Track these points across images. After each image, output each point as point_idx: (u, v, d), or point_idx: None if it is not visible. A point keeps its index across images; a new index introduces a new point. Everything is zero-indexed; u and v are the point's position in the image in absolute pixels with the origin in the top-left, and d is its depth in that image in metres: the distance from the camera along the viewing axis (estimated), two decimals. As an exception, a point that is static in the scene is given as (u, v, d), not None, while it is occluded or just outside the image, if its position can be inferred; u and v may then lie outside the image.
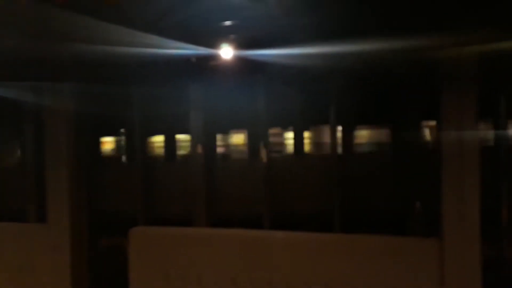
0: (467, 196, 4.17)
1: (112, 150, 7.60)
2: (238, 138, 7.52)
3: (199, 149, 5.98)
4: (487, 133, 5.67)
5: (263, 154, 5.99)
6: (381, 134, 6.74)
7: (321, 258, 4.57)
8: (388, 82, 5.69)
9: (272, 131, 6.46)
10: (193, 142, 6.04)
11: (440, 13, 4.16)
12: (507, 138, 5.50)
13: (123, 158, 7.30)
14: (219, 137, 6.77)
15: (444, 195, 4.25)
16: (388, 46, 4.38)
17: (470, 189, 4.16)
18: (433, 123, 5.91)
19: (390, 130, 6.18)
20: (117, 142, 7.52)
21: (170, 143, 6.86)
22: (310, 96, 6.19)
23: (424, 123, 6.00)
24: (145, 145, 6.47)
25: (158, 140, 6.97)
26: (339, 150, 5.97)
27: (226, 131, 7.21)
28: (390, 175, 5.65)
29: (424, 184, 5.23)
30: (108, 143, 7.57)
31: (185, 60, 5.25)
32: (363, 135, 6.81)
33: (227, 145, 7.49)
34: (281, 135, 7.37)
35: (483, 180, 4.22)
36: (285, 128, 7.09)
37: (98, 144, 6.94)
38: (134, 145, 6.41)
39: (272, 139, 6.39)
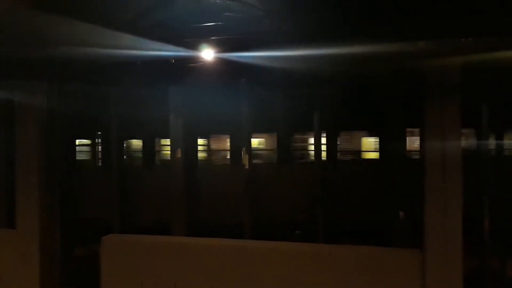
0: (449, 206, 4.10)
1: (88, 153, 7.35)
2: (220, 143, 7.37)
3: (179, 154, 5.80)
4: (470, 142, 5.65)
5: (246, 160, 5.86)
6: (366, 142, 6.69)
7: (302, 269, 4.43)
8: (373, 90, 5.64)
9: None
10: (173, 147, 5.86)
11: (424, 22, 4.12)
12: (489, 147, 5.49)
13: (99, 162, 7.07)
14: (200, 141, 6.62)
15: (427, 204, 4.17)
16: (373, 53, 4.32)
17: (452, 199, 4.09)
18: (417, 131, 5.88)
19: (374, 138, 6.13)
20: (93, 146, 7.27)
21: (149, 147, 6.67)
22: (294, 101, 6.10)
23: (409, 131, 5.96)
24: (122, 149, 6.26)
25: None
26: (324, 156, 5.89)
27: (207, 136, 7.06)
28: (375, 182, 5.58)
29: (408, 193, 5.16)
30: (83, 146, 7.33)
31: (164, 62, 5.09)
32: (347, 142, 6.74)
33: (208, 150, 7.34)
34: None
35: (465, 190, 4.16)
36: (269, 133, 6.98)
37: (72, 147, 6.68)
38: (111, 149, 6.20)
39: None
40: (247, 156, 5.86)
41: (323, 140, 5.89)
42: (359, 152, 6.62)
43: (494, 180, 5.17)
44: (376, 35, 4.21)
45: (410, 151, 5.99)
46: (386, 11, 4.14)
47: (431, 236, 4.15)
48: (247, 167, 5.82)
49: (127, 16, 4.52)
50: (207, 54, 4.92)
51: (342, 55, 4.36)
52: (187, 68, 5.33)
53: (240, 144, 5.96)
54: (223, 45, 4.79)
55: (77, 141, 7.00)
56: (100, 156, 6.97)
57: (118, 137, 6.16)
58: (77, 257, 6.28)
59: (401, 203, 5.28)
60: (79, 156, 7.15)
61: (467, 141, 5.61)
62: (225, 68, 5.16)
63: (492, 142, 5.65)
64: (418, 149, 5.61)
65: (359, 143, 6.77)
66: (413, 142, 6.38)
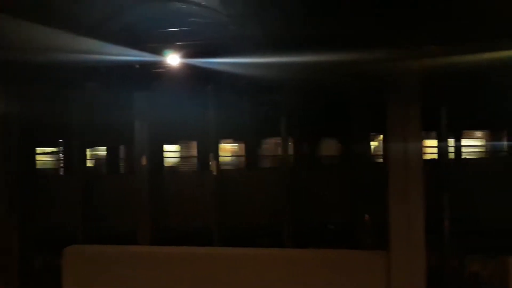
0: (412, 207, 4.22)
1: (50, 162, 7.07)
2: (187, 150, 7.29)
3: (144, 161, 5.68)
4: (431, 145, 5.86)
5: (213, 166, 5.82)
6: (332, 146, 6.80)
7: (270, 274, 4.43)
8: (338, 95, 5.75)
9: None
10: (138, 154, 5.73)
11: (385, 30, 4.25)
12: (449, 149, 5.70)
13: (61, 171, 6.82)
14: (166, 148, 6.51)
15: (390, 206, 4.27)
16: (337, 60, 4.41)
17: (415, 201, 4.22)
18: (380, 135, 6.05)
19: (339, 143, 6.24)
20: (55, 154, 7.00)
21: (113, 154, 6.49)
22: (262, 108, 6.13)
23: (373, 135, 6.11)
24: (84, 156, 6.06)
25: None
26: (291, 162, 5.94)
27: (174, 142, 6.96)
28: (341, 187, 5.67)
29: (373, 196, 5.27)
30: (44, 154, 7.04)
31: (129, 67, 5.00)
32: (314, 147, 6.82)
33: (175, 157, 7.23)
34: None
35: (427, 192, 4.30)
36: (236, 140, 6.97)
37: (32, 155, 6.39)
38: (73, 156, 5.99)
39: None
40: (215, 162, 5.83)
41: (290, 145, 5.95)
42: (325, 156, 6.73)
43: (454, 181, 5.37)
44: (340, 42, 4.31)
45: (374, 154, 6.14)
46: (350, 19, 4.24)
47: (395, 237, 4.25)
48: (214, 173, 5.78)
49: (90, 20, 4.41)
50: (173, 59, 4.87)
51: (307, 62, 4.43)
52: (152, 74, 5.25)
53: (208, 150, 5.92)
54: (189, 51, 4.76)
55: (39, 149, 6.72)
56: (62, 164, 6.72)
57: (81, 144, 5.97)
58: (38, 269, 6.00)
59: (366, 206, 5.39)
60: (43, 165, 6.86)
61: (428, 144, 5.82)
62: (191, 73, 5.13)
63: (451, 144, 5.87)
64: (382, 152, 5.75)
65: (325, 148, 6.87)
66: (377, 146, 6.56)
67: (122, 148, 6.75)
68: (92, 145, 6.37)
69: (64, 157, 6.61)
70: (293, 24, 4.38)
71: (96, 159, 6.66)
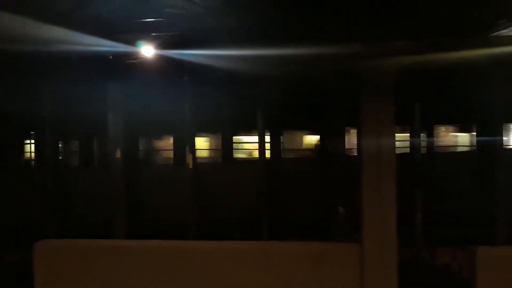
0: (385, 200, 4.29)
1: (20, 155, 6.85)
2: (163, 143, 7.19)
3: (118, 154, 5.57)
4: (404, 139, 5.98)
5: (190, 160, 5.77)
6: (308, 140, 6.85)
7: (246, 267, 4.43)
8: (314, 89, 5.79)
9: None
10: (112, 147, 5.62)
11: (359, 25, 4.29)
12: (421, 144, 5.83)
13: (32, 164, 6.62)
14: (142, 141, 6.42)
15: (364, 200, 4.34)
16: (314, 54, 4.43)
17: (387, 194, 4.28)
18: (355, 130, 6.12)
19: (316, 136, 6.29)
20: (26, 146, 6.79)
21: (87, 147, 6.34)
22: (238, 101, 6.10)
23: (348, 129, 6.19)
24: (57, 149, 5.90)
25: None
26: (268, 155, 5.95)
27: (149, 135, 6.87)
28: (317, 180, 5.72)
29: (347, 189, 5.34)
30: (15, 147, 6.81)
31: (102, 57, 4.87)
32: (290, 140, 6.87)
33: (151, 150, 7.13)
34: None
35: (399, 185, 4.38)
36: (213, 133, 6.93)
37: (3, 147, 6.19)
38: (45, 149, 5.82)
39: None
40: (191, 155, 5.78)
41: (267, 139, 5.96)
42: (301, 150, 6.78)
43: (425, 174, 5.50)
44: (317, 37, 4.32)
45: (349, 148, 6.23)
46: (327, 15, 4.25)
47: (367, 230, 4.32)
48: (190, 166, 5.73)
49: (60, 8, 4.26)
50: (148, 50, 4.77)
51: (283, 56, 4.43)
52: (126, 65, 5.14)
53: (184, 143, 5.86)
54: (164, 42, 4.68)
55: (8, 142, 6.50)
56: (34, 156, 6.53)
57: (52, 136, 5.81)
58: (8, 265, 5.84)
59: (341, 199, 5.46)
60: (11, 157, 6.63)
61: (401, 139, 5.93)
62: (167, 65, 5.05)
63: (423, 139, 6.01)
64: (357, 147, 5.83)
65: (301, 141, 6.93)
66: (351, 140, 6.64)
67: (95, 141, 6.60)
68: (64, 137, 6.19)
69: (35, 149, 6.42)
70: (270, 17, 4.37)
71: (69, 151, 6.49)
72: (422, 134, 5.88)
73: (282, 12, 4.28)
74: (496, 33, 4.42)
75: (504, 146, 5.95)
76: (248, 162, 6.71)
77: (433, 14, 4.07)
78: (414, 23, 4.20)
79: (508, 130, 7.06)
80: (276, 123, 6.07)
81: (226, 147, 6.57)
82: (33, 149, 6.54)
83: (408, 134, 5.92)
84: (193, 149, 5.83)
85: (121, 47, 4.60)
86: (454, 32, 4.14)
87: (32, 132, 6.44)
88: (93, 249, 4.76)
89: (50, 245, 4.91)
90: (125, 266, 4.67)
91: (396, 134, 4.43)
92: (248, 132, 6.59)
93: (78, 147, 6.41)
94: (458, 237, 5.27)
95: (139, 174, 5.94)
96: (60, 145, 6.07)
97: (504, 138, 5.74)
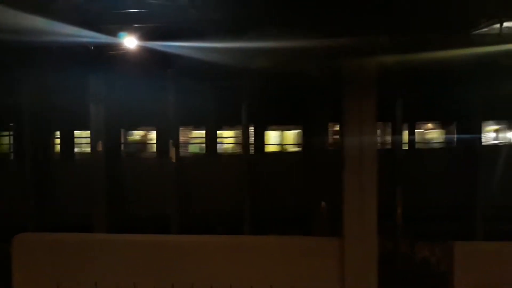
0: (366, 195, 4.33)
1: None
2: (145, 136, 7.11)
3: (100, 146, 5.50)
4: (385, 135, 6.04)
5: (173, 153, 5.73)
6: (292, 134, 6.87)
7: (227, 261, 4.43)
8: (299, 85, 5.79)
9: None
10: (93, 139, 5.54)
11: (342, 20, 4.29)
12: (402, 140, 5.91)
13: (12, 156, 6.47)
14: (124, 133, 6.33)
15: (345, 193, 4.37)
16: (297, 48, 4.42)
17: (368, 189, 4.32)
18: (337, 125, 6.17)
19: (300, 131, 6.31)
20: (5, 138, 6.62)
21: (67, 139, 6.22)
22: (222, 94, 6.07)
23: (331, 125, 6.22)
24: (37, 141, 5.78)
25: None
26: (251, 149, 5.95)
27: (132, 128, 6.77)
28: (300, 175, 5.75)
29: (330, 184, 5.38)
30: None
31: (83, 48, 4.78)
32: (274, 134, 6.87)
33: (133, 143, 7.05)
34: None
35: (380, 180, 4.43)
36: (197, 127, 6.88)
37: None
38: (24, 142, 5.71)
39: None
40: (174, 148, 5.74)
41: (251, 132, 5.96)
42: (283, 144, 6.80)
43: (406, 170, 5.58)
44: (300, 31, 4.31)
45: (331, 143, 6.27)
46: (311, 9, 4.24)
47: (348, 224, 4.35)
48: (174, 160, 5.70)
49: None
50: (130, 41, 4.70)
51: (267, 48, 4.41)
52: (108, 56, 5.06)
53: (167, 136, 5.82)
54: (147, 33, 4.61)
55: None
56: (13, 149, 6.39)
57: (32, 129, 5.70)
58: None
59: (323, 193, 5.51)
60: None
61: (382, 135, 5.99)
62: (150, 57, 4.98)
63: (405, 135, 6.08)
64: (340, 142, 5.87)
65: (284, 136, 6.94)
66: (334, 135, 6.67)
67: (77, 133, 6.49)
68: (44, 129, 6.07)
69: (14, 141, 6.27)
70: (254, 9, 4.34)
71: (49, 144, 6.37)
72: (403, 131, 5.96)
73: (265, 6, 4.25)
74: (477, 31, 4.49)
75: (483, 143, 6.05)
76: (232, 155, 6.68)
77: (415, 10, 4.09)
78: (397, 19, 4.23)
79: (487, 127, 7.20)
80: (260, 118, 6.06)
81: (209, 140, 6.54)
82: (12, 141, 6.38)
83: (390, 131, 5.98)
84: (176, 142, 5.80)
85: (103, 38, 4.51)
86: (437, 29, 4.18)
87: (11, 124, 6.29)
88: (74, 243, 4.69)
89: (30, 238, 4.81)
90: (106, 260, 4.62)
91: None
92: (231, 127, 6.58)
93: (59, 138, 6.29)
94: (437, 232, 5.38)
95: (120, 167, 5.87)
96: (39, 137, 5.94)
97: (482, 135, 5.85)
